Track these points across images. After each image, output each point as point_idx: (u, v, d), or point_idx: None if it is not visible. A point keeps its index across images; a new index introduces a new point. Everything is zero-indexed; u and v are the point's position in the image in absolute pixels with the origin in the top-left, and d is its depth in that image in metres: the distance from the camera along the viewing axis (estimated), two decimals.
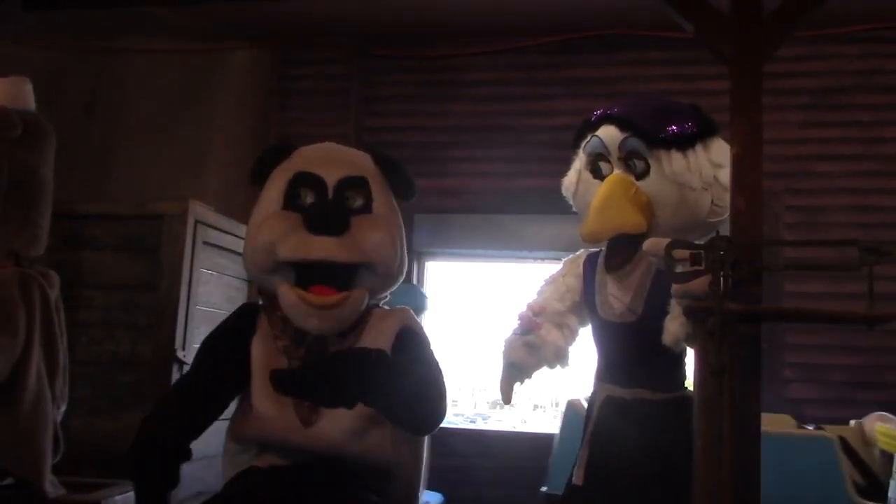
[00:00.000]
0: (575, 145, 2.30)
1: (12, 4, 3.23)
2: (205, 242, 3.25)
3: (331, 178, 1.92)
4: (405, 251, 2.03)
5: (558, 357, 2.22)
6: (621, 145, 2.16)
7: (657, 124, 2.15)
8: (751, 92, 1.77)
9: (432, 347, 2.01)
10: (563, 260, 2.39)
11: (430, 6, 4.13)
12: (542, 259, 4.30)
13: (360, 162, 2.01)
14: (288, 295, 1.84)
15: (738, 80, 1.79)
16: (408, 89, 4.51)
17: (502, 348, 2.22)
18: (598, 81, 4.25)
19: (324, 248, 1.83)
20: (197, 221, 3.18)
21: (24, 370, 2.24)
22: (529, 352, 2.15)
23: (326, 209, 1.88)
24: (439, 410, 1.84)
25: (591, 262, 2.29)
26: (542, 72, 4.37)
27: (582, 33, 4.27)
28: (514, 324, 2.23)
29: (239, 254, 3.43)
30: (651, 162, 2.14)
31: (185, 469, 1.85)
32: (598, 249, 2.33)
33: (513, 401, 2.23)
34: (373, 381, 1.65)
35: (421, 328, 2.04)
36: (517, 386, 2.23)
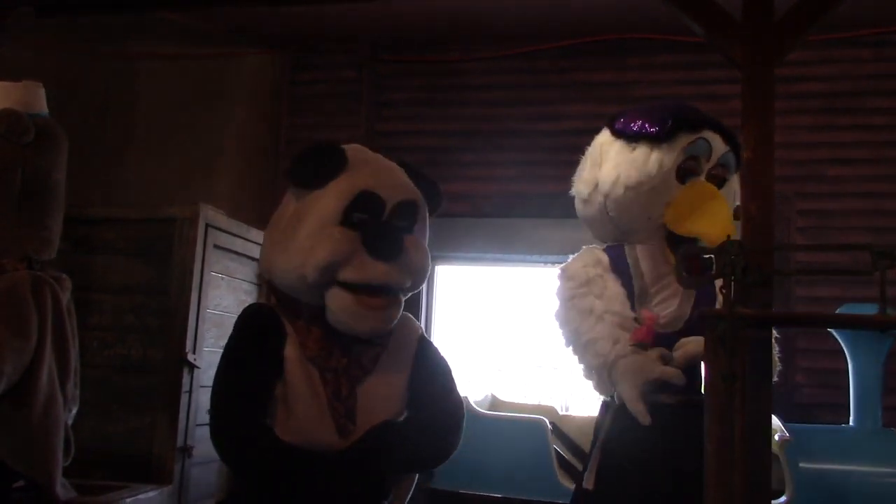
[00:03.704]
0: (663, 138, 2.17)
1: (26, 10, 3.24)
2: (215, 246, 3.26)
3: (391, 200, 1.93)
4: None
5: None
6: (722, 156, 2.20)
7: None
8: (762, 96, 1.77)
9: (442, 351, 2.10)
10: (576, 264, 2.27)
11: (440, 12, 4.13)
12: (552, 263, 4.29)
13: (410, 183, 2.02)
14: (345, 298, 1.87)
15: (749, 85, 1.78)
16: (418, 94, 4.52)
17: (624, 366, 2.04)
18: (607, 85, 4.25)
19: (384, 272, 1.88)
20: (208, 225, 3.18)
21: (35, 373, 2.24)
22: (666, 363, 2.04)
23: (386, 234, 1.91)
24: (457, 440, 1.97)
25: (618, 265, 2.22)
26: (551, 76, 4.37)
27: (591, 37, 4.27)
28: (621, 337, 2.09)
29: (249, 257, 3.46)
30: (730, 178, 2.21)
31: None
32: (603, 248, 2.29)
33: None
34: (397, 458, 1.86)
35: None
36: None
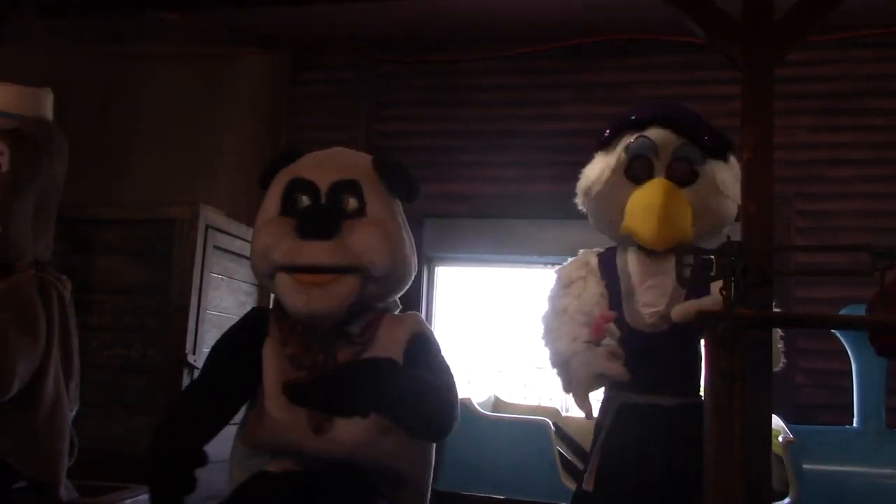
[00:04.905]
0: (607, 143, 2.23)
1: (26, 11, 3.24)
2: (215, 247, 3.26)
3: (323, 182, 1.93)
4: (409, 254, 2.00)
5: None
6: (676, 150, 2.14)
7: (710, 133, 2.15)
8: (762, 97, 1.77)
9: (444, 352, 2.01)
10: (566, 267, 2.30)
11: (440, 12, 4.13)
12: (552, 264, 4.29)
13: (355, 166, 2.00)
14: (283, 279, 1.87)
15: (749, 85, 1.78)
16: (418, 94, 4.52)
17: (575, 362, 2.06)
18: (607, 86, 4.25)
19: (312, 252, 1.84)
20: (207, 226, 3.18)
21: (43, 373, 2.25)
22: (615, 360, 2.04)
23: (316, 213, 1.90)
24: (452, 417, 1.87)
25: (607, 267, 2.24)
26: (551, 77, 4.37)
27: (591, 38, 4.27)
28: (581, 334, 2.10)
29: (249, 258, 3.45)
30: (701, 170, 2.13)
31: (198, 471, 1.86)
32: (601, 251, 2.29)
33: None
34: (385, 391, 1.73)
35: (432, 333, 2.03)
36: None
